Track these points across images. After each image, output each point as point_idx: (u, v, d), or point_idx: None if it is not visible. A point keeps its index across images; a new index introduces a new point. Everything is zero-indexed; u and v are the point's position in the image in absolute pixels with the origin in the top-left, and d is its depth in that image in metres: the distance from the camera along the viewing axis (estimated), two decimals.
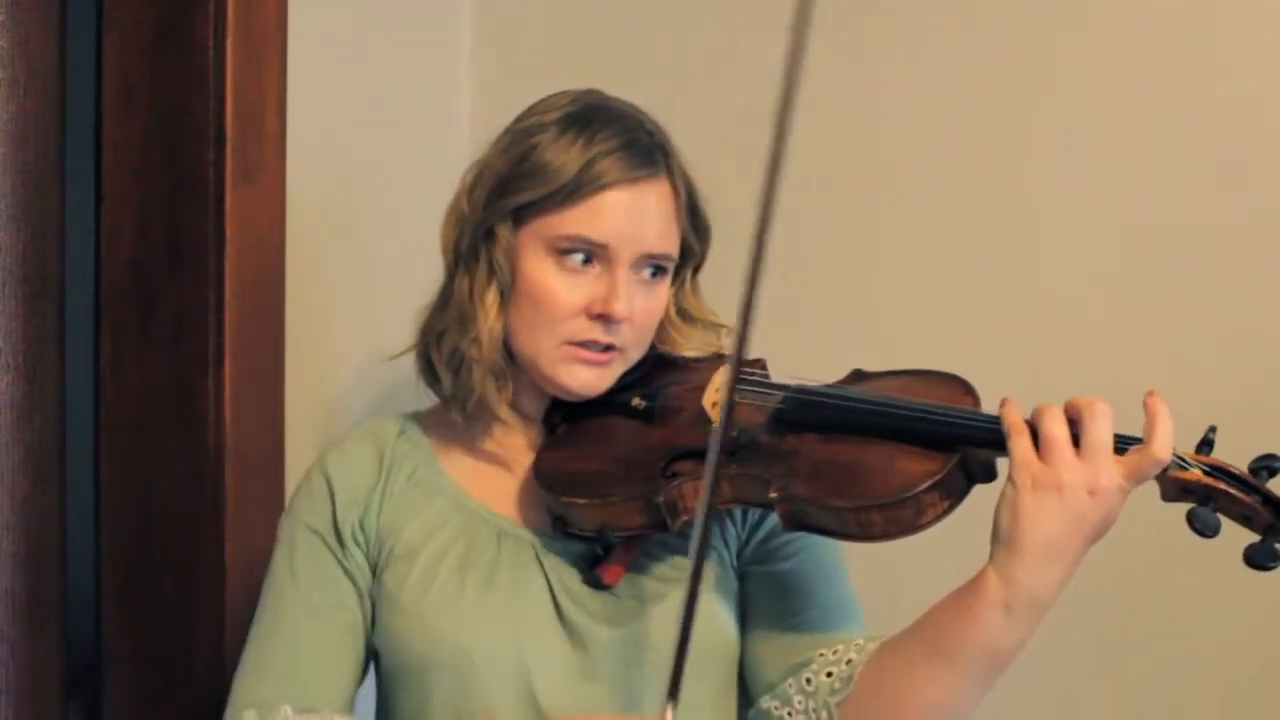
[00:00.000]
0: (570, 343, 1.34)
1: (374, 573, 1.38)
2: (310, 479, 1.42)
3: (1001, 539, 1.18)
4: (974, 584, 1.20)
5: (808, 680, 1.31)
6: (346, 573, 1.37)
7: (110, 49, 1.65)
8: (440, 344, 1.39)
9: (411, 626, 1.32)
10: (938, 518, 1.21)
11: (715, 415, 1.33)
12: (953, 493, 1.22)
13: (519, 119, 1.40)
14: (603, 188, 1.32)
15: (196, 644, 1.64)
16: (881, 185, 1.83)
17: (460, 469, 1.42)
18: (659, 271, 1.38)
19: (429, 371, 1.42)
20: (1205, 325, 1.66)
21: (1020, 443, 1.19)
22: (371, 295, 1.84)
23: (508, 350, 1.39)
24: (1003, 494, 1.19)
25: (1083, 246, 1.72)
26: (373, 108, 1.88)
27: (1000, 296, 1.77)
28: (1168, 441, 1.16)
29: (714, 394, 1.36)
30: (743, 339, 1.14)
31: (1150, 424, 1.17)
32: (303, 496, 1.42)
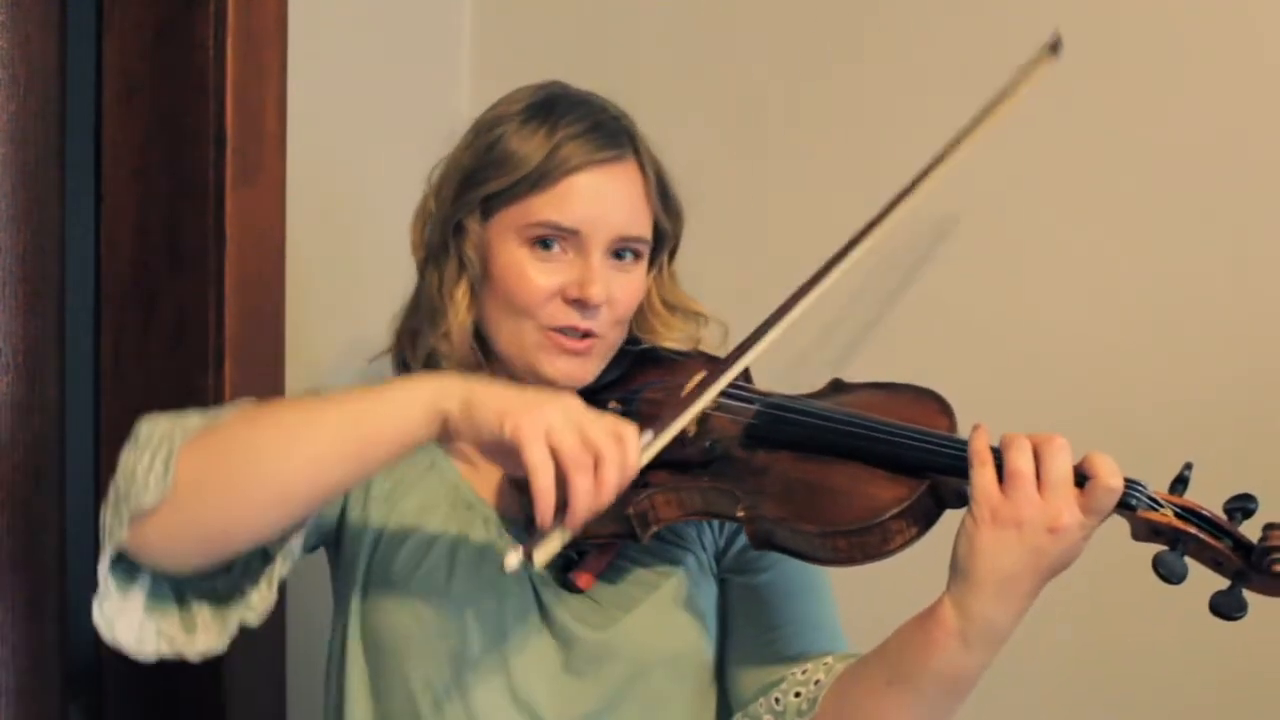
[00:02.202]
0: (549, 329, 1.33)
1: (358, 523, 1.35)
2: None
3: (958, 570, 1.17)
4: (931, 612, 1.20)
5: (776, 700, 1.31)
6: None
7: (110, 49, 1.65)
8: (415, 345, 1.38)
9: (396, 604, 1.32)
10: (905, 544, 1.19)
11: (691, 424, 1.33)
12: (921, 519, 1.20)
13: (482, 115, 1.39)
14: (570, 171, 1.31)
15: None
16: (879, 189, 1.83)
17: (456, 449, 1.40)
18: (634, 256, 1.37)
19: (404, 373, 1.42)
20: (1203, 334, 1.65)
21: (982, 474, 1.16)
22: (371, 295, 1.84)
23: (486, 347, 1.38)
24: (962, 524, 1.18)
25: (1080, 256, 1.71)
26: (373, 108, 1.88)
27: (994, 301, 1.76)
28: (1114, 470, 1.14)
29: None
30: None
31: (1091, 461, 1.15)
32: None
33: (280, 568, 1.24)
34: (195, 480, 1.13)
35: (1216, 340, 1.63)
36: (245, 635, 1.42)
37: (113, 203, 1.66)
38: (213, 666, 1.61)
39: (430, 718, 1.30)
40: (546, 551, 1.11)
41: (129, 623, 1.19)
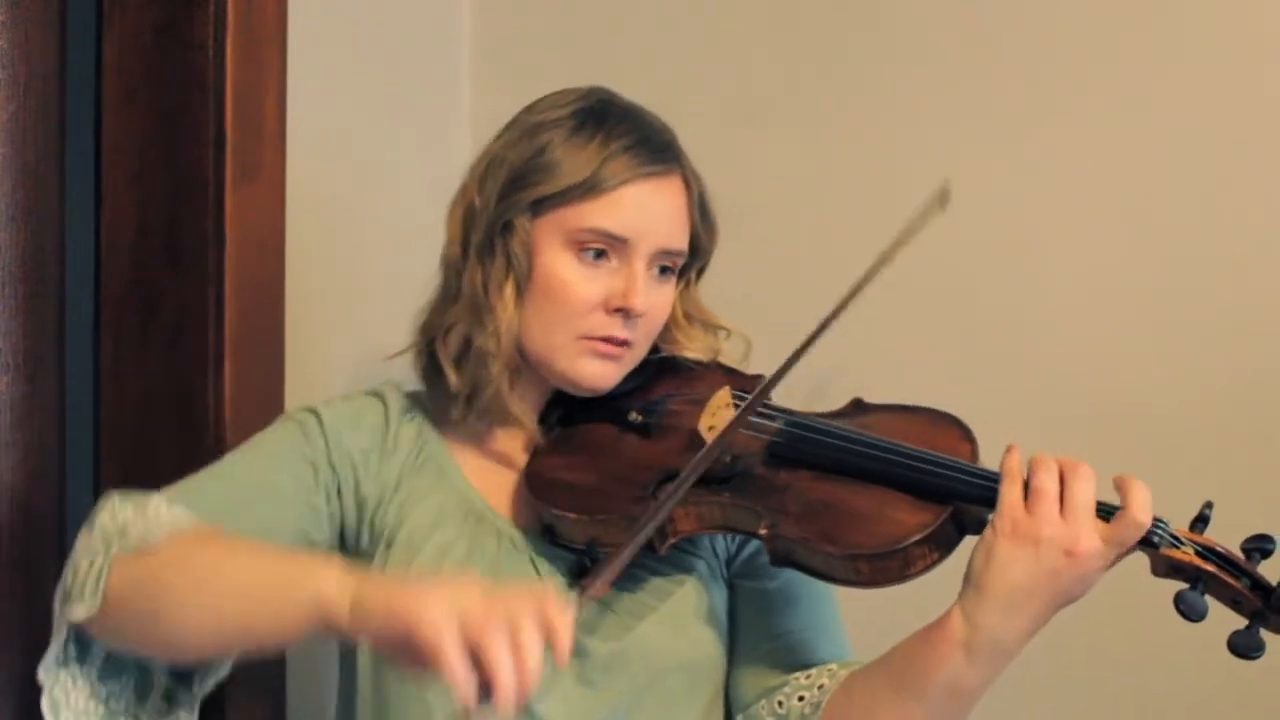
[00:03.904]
0: (587, 337, 1.34)
1: (371, 538, 1.35)
2: (309, 413, 1.39)
3: (972, 581, 1.19)
4: (940, 622, 1.21)
5: (780, 703, 1.32)
6: (319, 481, 1.35)
7: (110, 49, 1.65)
8: (447, 339, 1.37)
9: None
10: (926, 569, 1.21)
11: (710, 439, 1.33)
12: (942, 545, 1.22)
13: (526, 113, 1.39)
14: (622, 183, 1.33)
15: None
16: (884, 196, 1.82)
17: (467, 460, 1.41)
18: (668, 269, 1.39)
19: (431, 369, 1.41)
20: (1212, 337, 1.65)
21: (1010, 489, 1.19)
22: (371, 295, 1.84)
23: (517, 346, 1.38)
24: (982, 536, 1.20)
25: (1089, 264, 1.71)
26: (373, 108, 1.88)
27: (1003, 311, 1.76)
28: (1146, 506, 1.16)
29: (710, 418, 1.35)
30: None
31: (1125, 491, 1.17)
32: (294, 423, 1.39)
33: (196, 704, 1.29)
34: (119, 601, 1.19)
35: (1230, 357, 1.64)
36: None
37: (113, 203, 1.66)
38: None
39: None
40: None
41: (76, 701, 1.24)
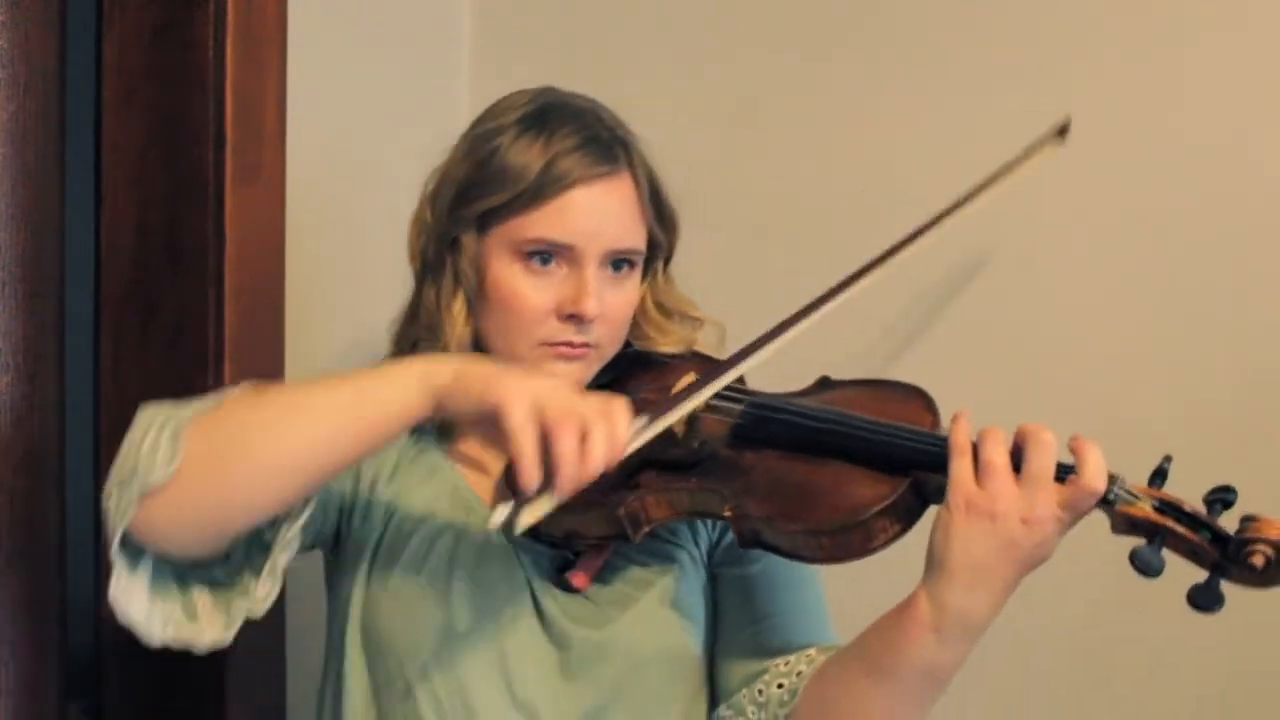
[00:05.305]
0: (546, 344, 1.35)
1: (364, 523, 1.36)
2: None
3: (933, 561, 1.18)
4: (907, 604, 1.20)
5: (760, 691, 1.32)
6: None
7: (110, 49, 1.65)
8: (413, 354, 1.38)
9: (398, 606, 1.32)
10: (888, 541, 1.20)
11: (678, 422, 1.32)
12: (904, 517, 1.21)
13: (476, 123, 1.39)
14: (565, 187, 1.32)
15: None
16: (883, 194, 1.83)
17: (459, 452, 1.42)
18: (627, 265, 1.38)
19: None
20: (1205, 333, 1.66)
21: (960, 464, 1.17)
22: (371, 295, 1.84)
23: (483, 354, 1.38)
24: (938, 515, 1.19)
25: (1089, 266, 1.71)
26: (373, 107, 1.88)
27: (998, 306, 1.76)
28: (1100, 472, 1.14)
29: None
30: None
31: (1080, 457, 1.15)
32: None
33: (280, 557, 1.24)
34: (202, 456, 1.15)
35: (1215, 347, 1.64)
36: (245, 637, 1.41)
37: (113, 203, 1.66)
38: (213, 666, 1.61)
39: (431, 718, 1.30)
40: (529, 517, 1.12)
41: (139, 606, 1.20)
